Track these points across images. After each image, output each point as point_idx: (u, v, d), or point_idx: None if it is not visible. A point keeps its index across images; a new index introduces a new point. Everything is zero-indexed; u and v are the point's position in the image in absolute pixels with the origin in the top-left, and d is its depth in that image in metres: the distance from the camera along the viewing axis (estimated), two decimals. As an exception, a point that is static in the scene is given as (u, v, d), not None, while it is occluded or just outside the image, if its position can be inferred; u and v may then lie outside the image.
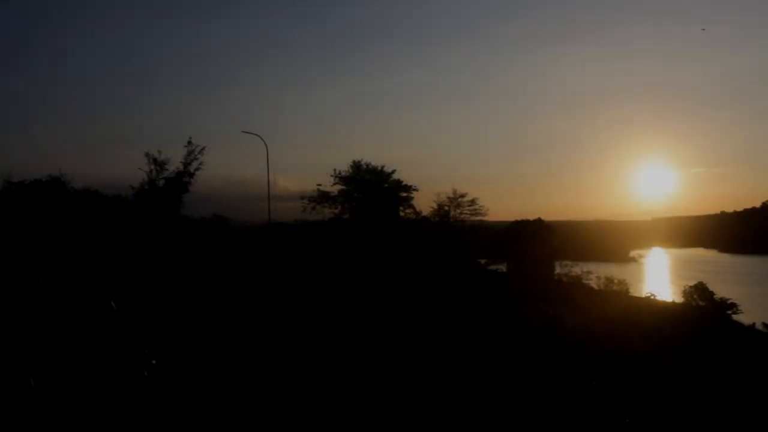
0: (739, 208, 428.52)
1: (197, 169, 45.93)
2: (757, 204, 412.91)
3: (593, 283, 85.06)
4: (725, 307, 76.61)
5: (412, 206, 69.08)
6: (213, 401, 18.07)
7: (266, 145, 65.76)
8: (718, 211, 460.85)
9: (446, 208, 75.29)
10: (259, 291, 35.41)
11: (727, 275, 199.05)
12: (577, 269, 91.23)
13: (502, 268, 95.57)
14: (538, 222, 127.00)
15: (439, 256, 62.70)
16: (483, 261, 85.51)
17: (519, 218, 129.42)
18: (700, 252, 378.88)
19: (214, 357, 22.73)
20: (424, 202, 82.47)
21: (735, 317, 75.57)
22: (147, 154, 45.57)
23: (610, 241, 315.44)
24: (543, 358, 31.00)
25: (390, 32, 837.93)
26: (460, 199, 75.42)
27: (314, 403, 20.88)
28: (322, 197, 65.39)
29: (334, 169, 65.24)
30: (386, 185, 66.57)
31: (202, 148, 45.96)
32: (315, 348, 27.06)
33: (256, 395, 20.21)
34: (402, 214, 68.51)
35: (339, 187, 65.79)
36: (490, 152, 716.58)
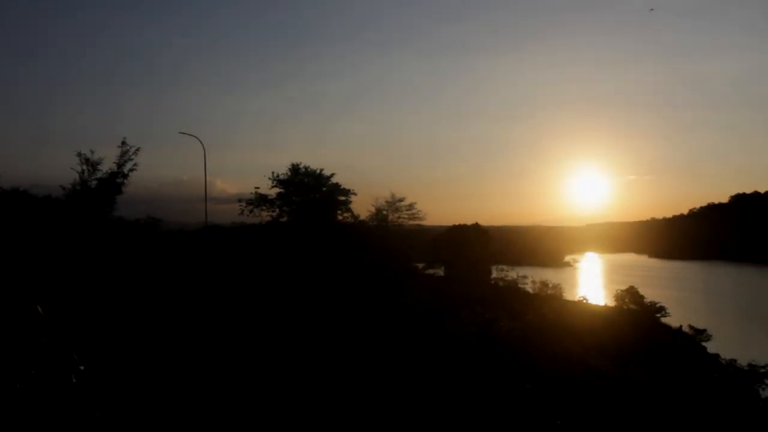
0: (669, 215, 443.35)
1: (131, 169, 44.82)
2: (685, 211, 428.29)
3: (529, 288, 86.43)
4: (655, 310, 78.70)
5: (350, 210, 68.78)
6: (142, 406, 17.63)
7: (204, 146, 64.79)
8: (648, 217, 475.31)
9: (384, 212, 75.25)
10: (190, 294, 34.69)
11: (657, 279, 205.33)
12: (513, 274, 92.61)
13: (440, 272, 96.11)
14: (476, 227, 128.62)
15: (376, 261, 62.67)
16: (420, 265, 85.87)
17: (457, 223, 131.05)
18: (631, 257, 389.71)
19: (144, 361, 22.16)
20: (362, 206, 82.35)
21: (663, 320, 77.72)
22: (79, 154, 44.27)
23: (545, 246, 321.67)
24: (477, 362, 31.20)
25: (328, 36, 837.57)
26: (398, 204, 75.48)
27: (236, 410, 20.55)
28: (259, 200, 64.58)
29: (273, 172, 64.53)
30: (324, 189, 66.13)
31: (137, 149, 44.86)
32: (245, 353, 26.63)
33: (182, 399, 19.78)
34: (340, 217, 68.16)
35: (277, 190, 65.09)
36: (430, 157, 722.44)
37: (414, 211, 75.80)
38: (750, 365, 34.52)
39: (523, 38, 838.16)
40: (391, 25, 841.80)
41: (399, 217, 76.51)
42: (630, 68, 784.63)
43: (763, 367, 33.79)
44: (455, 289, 67.71)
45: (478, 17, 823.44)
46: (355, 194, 68.47)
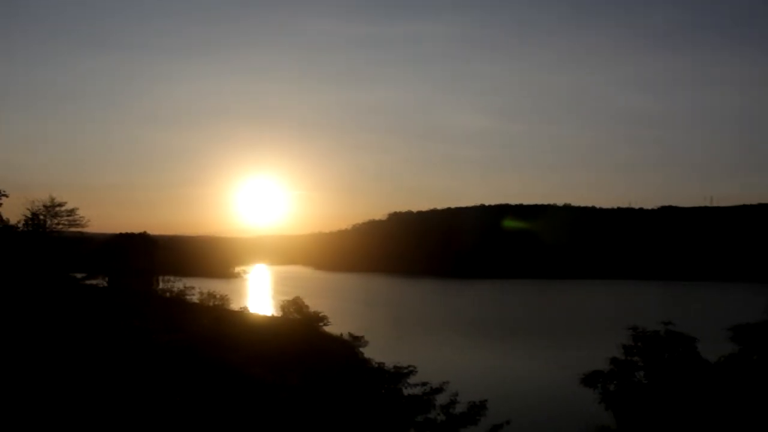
0: (334, 230, 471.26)
1: None
2: (349, 226, 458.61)
3: (196, 298, 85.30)
4: (318, 319, 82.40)
5: (-5, 213, 61.64)
6: None
7: None
8: (316, 231, 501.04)
9: (42, 217, 68.89)
10: None
11: (321, 290, 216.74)
12: (181, 284, 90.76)
13: (104, 282, 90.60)
14: (143, 236, 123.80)
15: (28, 269, 57.01)
16: (81, 275, 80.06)
17: (124, 231, 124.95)
18: (298, 269, 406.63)
19: None
20: (15, 210, 74.30)
21: (326, 328, 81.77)
22: None
23: (216, 257, 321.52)
24: (133, 374, 29.78)
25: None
26: (57, 209, 69.57)
27: None
28: None
29: None
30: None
31: None
32: None
33: None
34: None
35: None
36: (98, 162, 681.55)
37: (75, 217, 70.31)
38: (395, 367, 37.63)
39: (200, 46, 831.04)
40: (65, 20, 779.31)
41: (58, 223, 70.51)
42: (306, 88, 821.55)
43: (406, 368, 37.08)
44: (118, 301, 64.35)
45: (157, 18, 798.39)
46: (6, 195, 61.56)
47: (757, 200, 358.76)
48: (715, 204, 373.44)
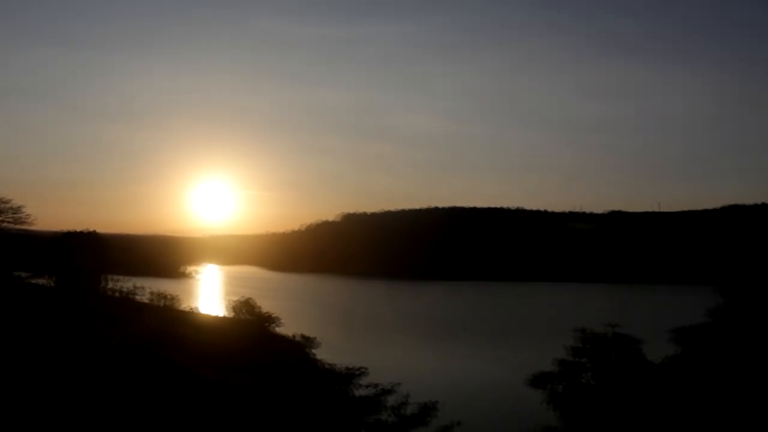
0: (287, 230, 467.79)
1: None
2: (302, 227, 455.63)
3: (145, 298, 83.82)
4: (269, 320, 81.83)
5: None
6: None
7: None
8: (268, 231, 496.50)
9: (-16, 214, 67.15)
10: None
11: (273, 291, 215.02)
12: (130, 284, 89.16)
13: (50, 282, 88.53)
14: (92, 234, 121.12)
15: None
16: (26, 274, 78.12)
17: (72, 229, 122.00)
18: (251, 269, 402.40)
19: None
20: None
21: (278, 329, 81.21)
22: None
23: (166, 257, 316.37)
24: (80, 374, 29.22)
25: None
26: (2, 206, 67.95)
27: None
28: None
29: None
30: None
31: None
32: None
33: None
34: None
35: None
36: (45, 158, 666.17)
37: (21, 214, 68.74)
38: (347, 368, 37.78)
39: (152, 41, 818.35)
40: (10, 13, 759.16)
41: (3, 221, 68.84)
42: (260, 88, 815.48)
43: (357, 369, 37.25)
44: (65, 301, 63.00)
45: (108, 12, 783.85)
46: (-55, 192, 59.90)
47: (702, 206, 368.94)
48: (662, 209, 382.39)
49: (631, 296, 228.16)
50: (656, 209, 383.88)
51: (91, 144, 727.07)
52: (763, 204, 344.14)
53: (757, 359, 35.67)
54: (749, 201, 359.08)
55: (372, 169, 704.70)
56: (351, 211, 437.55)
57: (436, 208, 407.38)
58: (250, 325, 76.71)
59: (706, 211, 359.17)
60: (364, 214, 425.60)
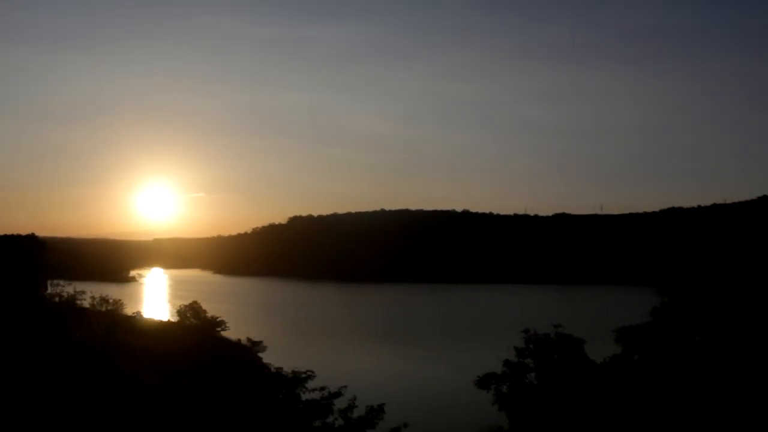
0: (234, 233, 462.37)
1: None
2: (249, 230, 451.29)
3: (87, 303, 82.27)
4: (215, 324, 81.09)
5: None
6: None
7: None
8: (215, 234, 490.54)
9: None
10: None
11: (220, 295, 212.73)
12: (71, 289, 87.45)
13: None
14: (31, 237, 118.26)
15: None
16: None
17: (9, 233, 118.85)
18: (197, 273, 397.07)
19: None
20: None
21: (224, 333, 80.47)
22: None
23: (110, 261, 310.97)
24: (20, 380, 28.51)
25: None
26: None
27: None
28: None
29: None
30: None
31: None
32: None
33: None
34: None
35: None
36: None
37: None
38: (294, 372, 37.58)
39: (95, 41, 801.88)
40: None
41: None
42: (208, 89, 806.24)
43: (304, 373, 37.09)
44: (2, 305, 61.36)
45: (50, 10, 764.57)
46: None
47: (643, 209, 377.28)
48: (605, 212, 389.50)
49: (575, 297, 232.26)
50: (599, 212, 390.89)
51: (32, 146, 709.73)
52: (700, 207, 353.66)
53: (693, 357, 36.76)
54: (687, 204, 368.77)
55: (321, 171, 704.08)
56: (299, 213, 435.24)
57: (384, 211, 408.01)
58: (195, 329, 75.98)
59: (646, 214, 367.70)
60: (311, 217, 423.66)
